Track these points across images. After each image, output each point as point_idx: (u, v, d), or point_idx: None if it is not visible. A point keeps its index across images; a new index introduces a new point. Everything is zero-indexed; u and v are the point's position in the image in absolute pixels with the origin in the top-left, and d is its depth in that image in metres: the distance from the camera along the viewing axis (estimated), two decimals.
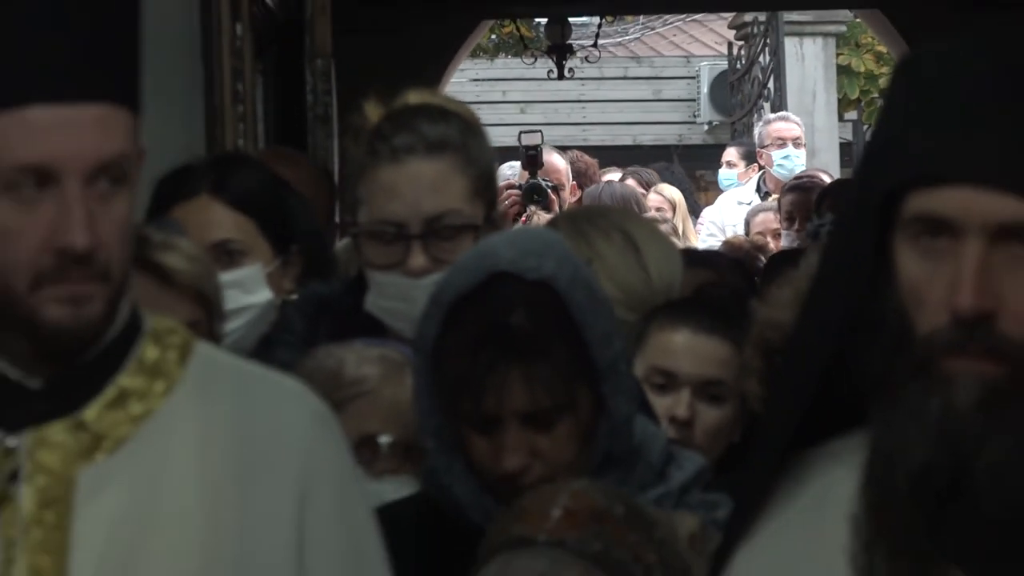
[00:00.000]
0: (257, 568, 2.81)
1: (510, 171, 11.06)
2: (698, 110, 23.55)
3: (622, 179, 13.28)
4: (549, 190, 10.23)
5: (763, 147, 13.24)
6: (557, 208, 10.08)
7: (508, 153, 11.71)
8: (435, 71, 13.36)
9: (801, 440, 2.58)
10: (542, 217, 9.62)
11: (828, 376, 2.53)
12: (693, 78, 23.72)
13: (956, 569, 2.41)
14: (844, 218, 2.61)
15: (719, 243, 11.59)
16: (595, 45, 18.86)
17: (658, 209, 11.90)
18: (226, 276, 4.31)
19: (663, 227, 8.80)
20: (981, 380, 2.39)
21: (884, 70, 22.55)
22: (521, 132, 10.90)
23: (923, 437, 2.39)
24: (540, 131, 10.88)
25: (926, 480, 2.39)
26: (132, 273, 2.90)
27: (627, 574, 3.16)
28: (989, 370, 2.39)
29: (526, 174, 10.37)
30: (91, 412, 2.82)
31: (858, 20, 19.88)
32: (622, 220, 5.08)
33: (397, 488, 3.73)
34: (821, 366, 2.53)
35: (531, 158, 10.46)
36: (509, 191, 9.65)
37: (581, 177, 12.51)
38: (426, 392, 3.55)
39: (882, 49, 21.69)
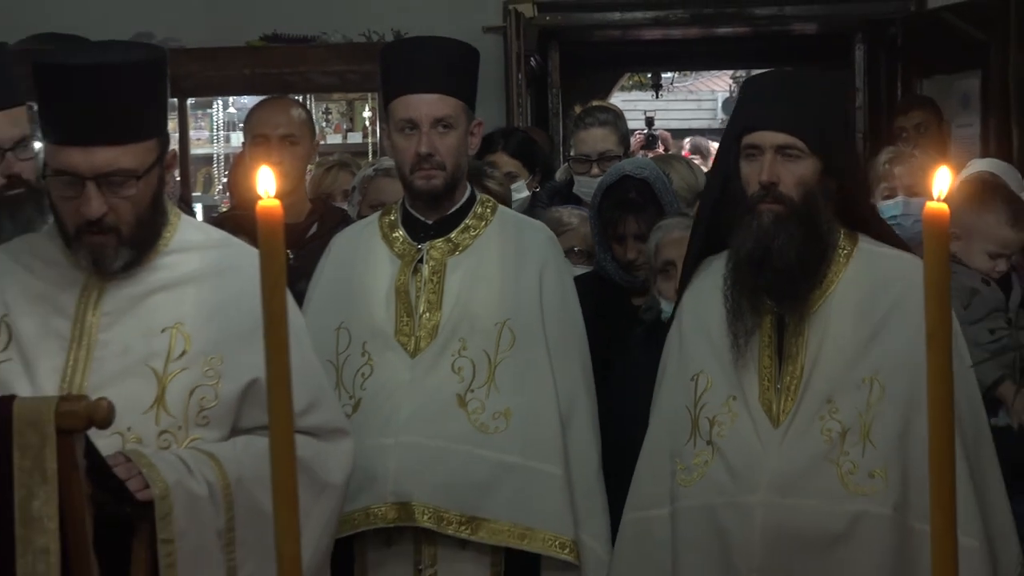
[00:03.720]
0: (523, 305, 2.69)
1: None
2: (716, 114, 22.89)
3: (689, 144, 13.00)
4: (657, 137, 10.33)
5: None
6: (660, 145, 10.26)
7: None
8: (603, 95, 13.05)
9: (707, 252, 2.50)
10: (647, 155, 9.49)
11: (715, 222, 2.48)
12: (714, 100, 23.04)
13: (767, 296, 2.35)
14: (720, 151, 2.55)
15: None
16: (672, 83, 18.42)
17: (690, 154, 11.68)
18: (512, 186, 4.22)
19: (696, 160, 8.59)
20: (773, 213, 2.33)
21: None
22: (646, 115, 11.75)
23: (750, 238, 2.33)
24: (654, 116, 11.72)
25: (752, 256, 2.34)
26: (465, 177, 2.77)
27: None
28: (776, 208, 2.33)
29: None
30: (454, 234, 2.73)
31: None
32: (680, 156, 4.97)
33: (583, 269, 3.57)
34: (710, 216, 2.49)
35: (650, 125, 11.14)
36: (639, 135, 9.60)
37: (665, 142, 12.26)
38: (595, 226, 3.38)
39: None
